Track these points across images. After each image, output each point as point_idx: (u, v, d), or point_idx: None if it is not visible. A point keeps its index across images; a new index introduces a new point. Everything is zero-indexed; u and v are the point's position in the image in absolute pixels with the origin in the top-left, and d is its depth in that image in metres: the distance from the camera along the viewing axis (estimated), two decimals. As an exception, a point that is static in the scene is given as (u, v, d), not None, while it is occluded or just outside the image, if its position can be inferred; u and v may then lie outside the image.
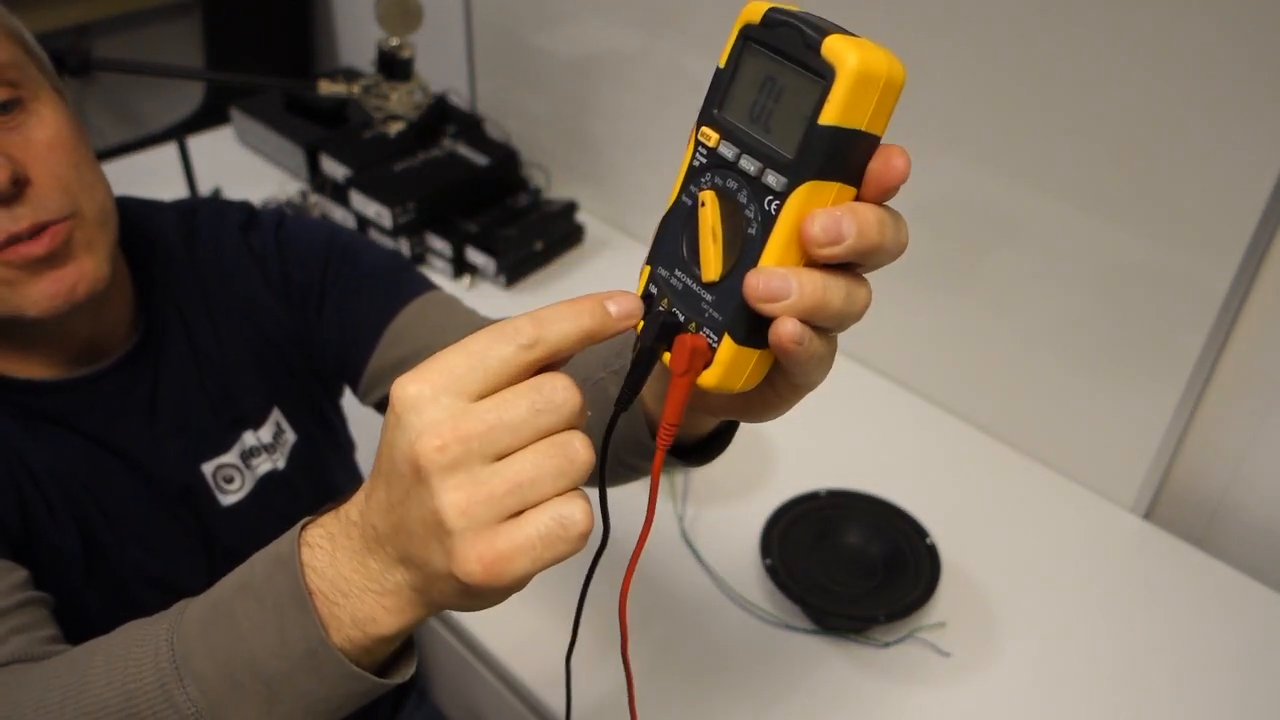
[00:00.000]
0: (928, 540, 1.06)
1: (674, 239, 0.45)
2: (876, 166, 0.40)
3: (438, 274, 1.53)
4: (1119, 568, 1.12)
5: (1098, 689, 0.99)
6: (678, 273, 0.44)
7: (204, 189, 1.63)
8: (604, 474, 0.49)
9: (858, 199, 0.41)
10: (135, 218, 0.81)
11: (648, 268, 0.46)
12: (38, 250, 0.66)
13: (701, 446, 0.60)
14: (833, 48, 0.38)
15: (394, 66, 1.44)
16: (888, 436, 1.27)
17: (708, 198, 0.42)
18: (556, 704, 0.95)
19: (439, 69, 1.76)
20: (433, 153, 1.62)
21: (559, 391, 0.41)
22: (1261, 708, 0.98)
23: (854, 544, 1.08)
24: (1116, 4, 0.99)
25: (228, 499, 0.83)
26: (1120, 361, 1.13)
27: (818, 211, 0.39)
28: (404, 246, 1.52)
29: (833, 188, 0.39)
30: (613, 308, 0.43)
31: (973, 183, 1.17)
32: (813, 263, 0.41)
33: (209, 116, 2.15)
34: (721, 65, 0.42)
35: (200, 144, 1.78)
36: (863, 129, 0.39)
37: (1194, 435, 1.13)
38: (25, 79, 0.67)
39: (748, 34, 0.41)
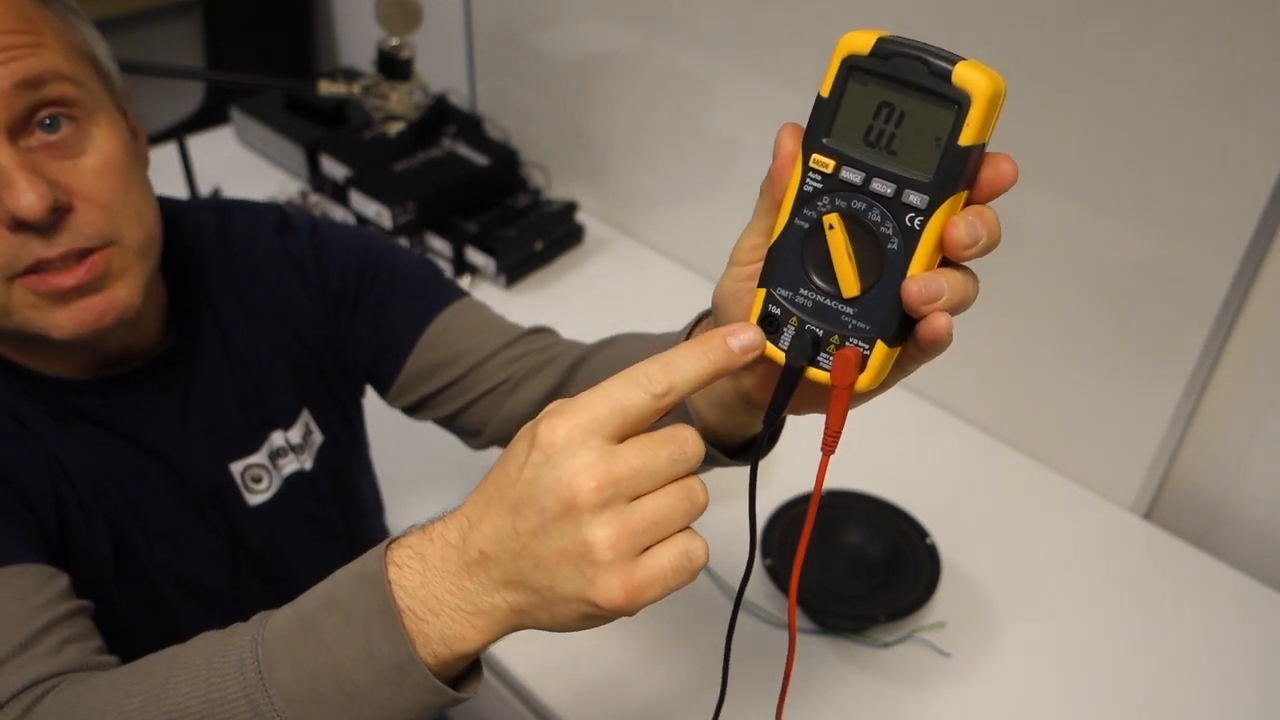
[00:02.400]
0: (928, 540, 1.06)
1: (791, 260, 0.48)
2: (989, 173, 0.45)
3: (438, 274, 1.53)
4: (1119, 568, 1.12)
5: (1098, 689, 0.99)
6: (803, 291, 0.48)
7: (204, 189, 1.63)
8: (754, 503, 0.53)
9: (969, 201, 0.46)
10: (169, 219, 0.80)
11: (763, 290, 0.49)
12: (68, 283, 0.65)
13: (746, 444, 0.64)
14: (964, 76, 0.42)
15: (394, 66, 1.44)
16: (888, 436, 1.27)
17: (834, 220, 0.46)
18: (554, 703, 0.95)
19: (439, 69, 1.76)
20: (433, 153, 1.61)
21: (690, 444, 0.47)
22: (1262, 707, 0.98)
23: (854, 544, 1.08)
24: (1117, 4, 0.99)
25: (255, 499, 0.84)
26: (1121, 361, 1.13)
27: (958, 219, 0.44)
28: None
29: (964, 197, 0.44)
30: (734, 343, 0.47)
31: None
32: (945, 263, 0.46)
33: (209, 116, 2.15)
34: (824, 94, 0.45)
35: (200, 144, 1.78)
36: (985, 142, 0.44)
37: (1194, 435, 1.13)
38: (84, 98, 0.66)
39: (854, 64, 0.44)
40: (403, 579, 0.49)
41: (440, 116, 1.69)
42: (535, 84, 1.67)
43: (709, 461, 0.64)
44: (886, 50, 0.43)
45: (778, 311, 0.48)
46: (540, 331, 0.86)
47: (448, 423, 0.87)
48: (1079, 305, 1.14)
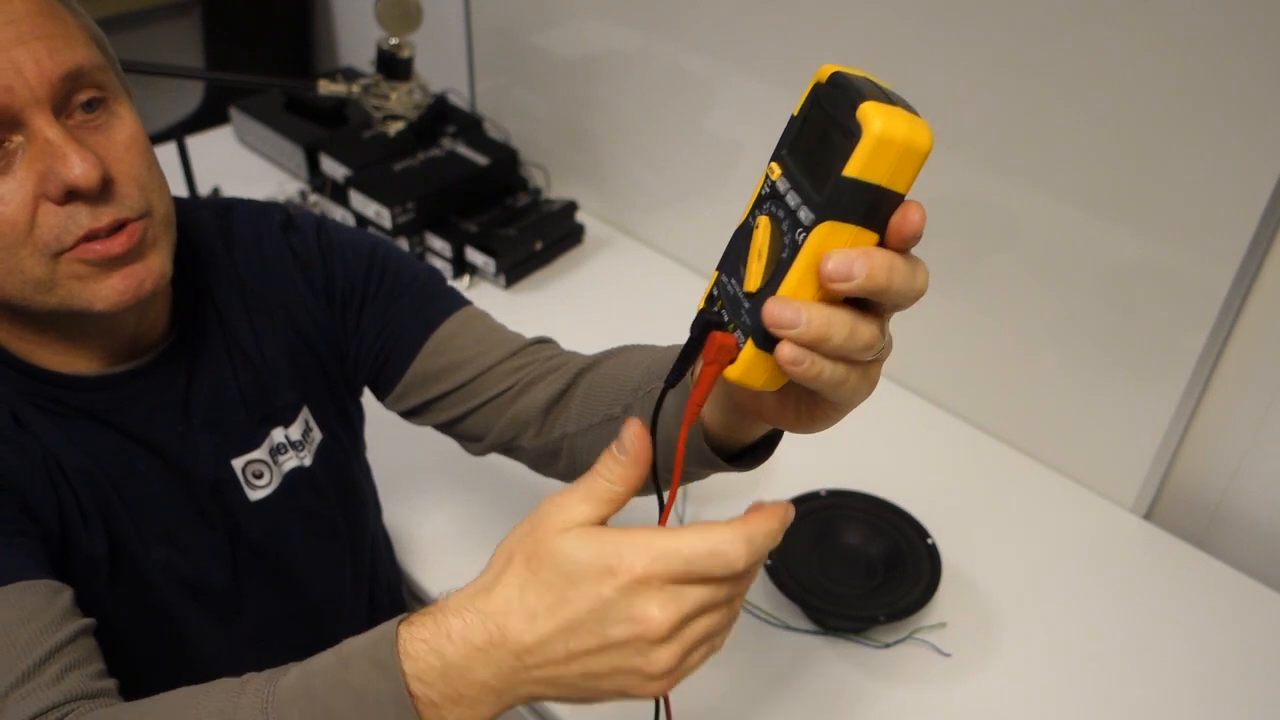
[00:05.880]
0: (928, 540, 1.06)
1: (736, 253, 0.51)
2: (896, 219, 0.46)
3: (437, 274, 1.53)
4: (1119, 568, 1.12)
5: (1098, 689, 0.99)
6: (732, 280, 0.51)
7: (204, 189, 1.63)
8: (655, 442, 0.56)
9: (883, 245, 0.47)
10: None
11: (716, 273, 0.53)
12: (116, 249, 0.67)
13: (748, 452, 0.66)
14: (865, 112, 0.43)
15: (394, 66, 1.44)
16: (888, 436, 1.27)
17: (762, 222, 0.49)
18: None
19: (439, 69, 1.76)
20: (432, 153, 1.61)
21: (745, 581, 0.51)
22: (1262, 707, 0.98)
23: (854, 544, 1.08)
24: (1118, 5, 0.99)
25: (255, 494, 0.84)
26: (1121, 361, 1.13)
27: (835, 250, 0.45)
28: (404, 246, 1.52)
29: (849, 229, 0.45)
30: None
31: (973, 182, 1.17)
32: (831, 296, 0.47)
33: (209, 116, 2.15)
34: (795, 114, 0.49)
35: (200, 144, 1.78)
36: (882, 184, 0.44)
37: (1194, 435, 1.13)
38: (108, 81, 0.69)
39: (816, 90, 0.48)
40: (420, 673, 0.51)
41: (440, 116, 1.69)
42: (535, 84, 1.67)
43: (709, 466, 0.66)
44: (835, 81, 0.46)
45: (716, 293, 0.53)
46: (544, 342, 0.88)
47: (449, 427, 0.88)
48: (1080, 306, 1.14)
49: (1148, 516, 1.19)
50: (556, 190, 1.68)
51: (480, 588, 0.51)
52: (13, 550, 0.66)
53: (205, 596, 0.83)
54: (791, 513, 0.51)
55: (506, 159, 1.62)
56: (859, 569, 1.06)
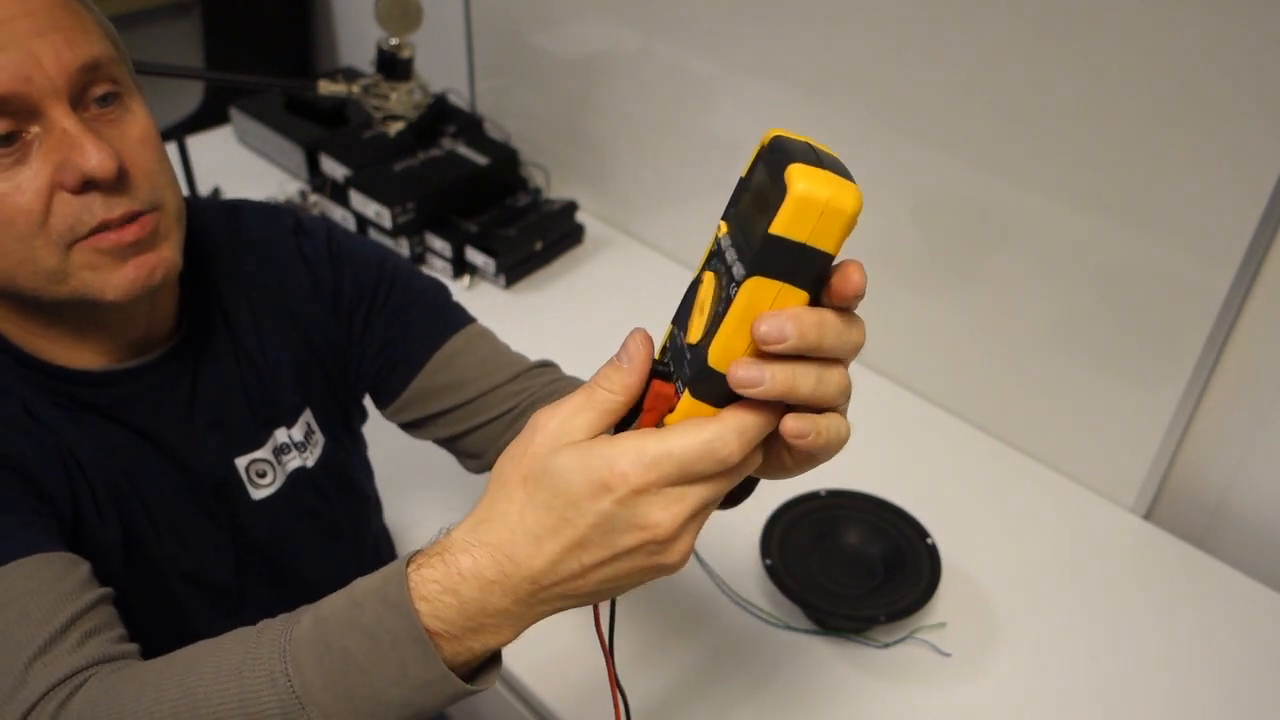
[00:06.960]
0: (928, 540, 1.06)
1: (685, 307, 0.53)
2: (835, 279, 0.47)
3: (438, 274, 1.53)
4: (1119, 568, 1.12)
5: (1098, 689, 0.99)
6: (679, 333, 0.53)
7: (204, 189, 1.63)
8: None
9: (817, 303, 0.47)
10: None
11: (671, 326, 0.54)
12: (129, 237, 0.69)
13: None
14: (790, 173, 0.45)
15: (394, 66, 1.44)
16: (888, 436, 1.27)
17: (707, 277, 0.51)
18: (551, 700, 0.95)
19: (439, 69, 1.76)
20: (432, 153, 1.61)
21: (733, 458, 0.50)
22: (1262, 708, 0.98)
23: (854, 544, 1.08)
24: (1118, 5, 0.99)
25: (259, 493, 0.85)
26: (1121, 361, 1.13)
27: (768, 313, 0.46)
28: (404, 246, 1.52)
29: (775, 286, 0.47)
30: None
31: (974, 183, 1.17)
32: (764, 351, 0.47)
33: (209, 116, 2.15)
34: (743, 175, 0.51)
35: (200, 144, 1.78)
36: (805, 242, 0.45)
37: (1194, 435, 1.13)
38: (122, 76, 0.70)
39: (761, 152, 0.49)
40: (437, 612, 0.51)
41: (440, 116, 1.69)
42: (535, 84, 1.67)
43: None
44: (774, 145, 0.48)
45: (668, 344, 0.54)
46: (546, 365, 0.89)
47: (447, 443, 0.90)
48: (1080, 306, 1.14)
49: (1148, 516, 1.19)
50: (556, 190, 1.68)
51: (480, 518, 0.52)
52: (28, 527, 0.67)
53: (210, 592, 0.83)
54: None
55: (506, 159, 1.62)
56: (859, 569, 1.06)
